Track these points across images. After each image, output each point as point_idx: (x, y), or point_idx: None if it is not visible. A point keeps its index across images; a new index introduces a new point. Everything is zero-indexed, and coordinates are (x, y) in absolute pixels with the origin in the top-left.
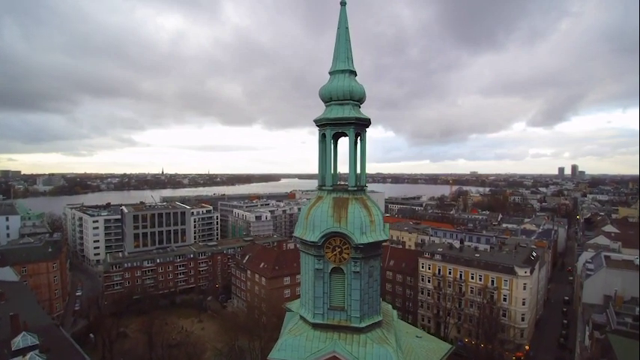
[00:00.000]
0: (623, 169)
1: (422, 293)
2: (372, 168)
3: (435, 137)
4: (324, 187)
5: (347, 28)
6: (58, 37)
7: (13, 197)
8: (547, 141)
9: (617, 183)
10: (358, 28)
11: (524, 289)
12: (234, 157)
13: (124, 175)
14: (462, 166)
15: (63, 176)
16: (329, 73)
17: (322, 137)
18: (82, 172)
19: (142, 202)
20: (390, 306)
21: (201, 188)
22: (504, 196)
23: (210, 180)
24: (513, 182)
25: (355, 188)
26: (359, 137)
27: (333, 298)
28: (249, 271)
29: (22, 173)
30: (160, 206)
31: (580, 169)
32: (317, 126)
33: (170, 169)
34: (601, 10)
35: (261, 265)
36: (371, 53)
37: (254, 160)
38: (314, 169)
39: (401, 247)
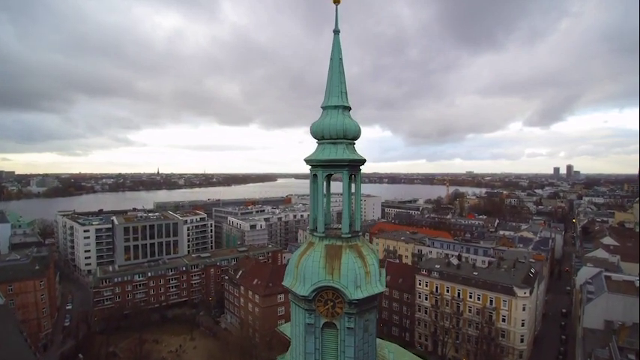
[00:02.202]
0: (617, 169)
1: (419, 311)
2: (368, 168)
3: (432, 137)
4: (315, 233)
5: (341, 59)
6: (54, 35)
7: (6, 199)
8: (543, 141)
9: (612, 183)
10: (358, 28)
11: (524, 309)
12: (231, 157)
13: (119, 175)
14: (458, 165)
15: (57, 177)
16: (321, 107)
17: (314, 178)
18: (77, 171)
19: (134, 209)
20: (386, 350)
21: (197, 189)
22: (501, 199)
23: (207, 180)
24: (509, 183)
25: (349, 235)
26: (353, 176)
27: (326, 355)
28: (242, 287)
29: (15, 173)
30: (151, 217)
31: (575, 168)
32: (308, 165)
33: (166, 169)
34: (601, 10)
35: (254, 282)
36: (370, 53)
37: (251, 159)
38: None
39: (397, 261)
